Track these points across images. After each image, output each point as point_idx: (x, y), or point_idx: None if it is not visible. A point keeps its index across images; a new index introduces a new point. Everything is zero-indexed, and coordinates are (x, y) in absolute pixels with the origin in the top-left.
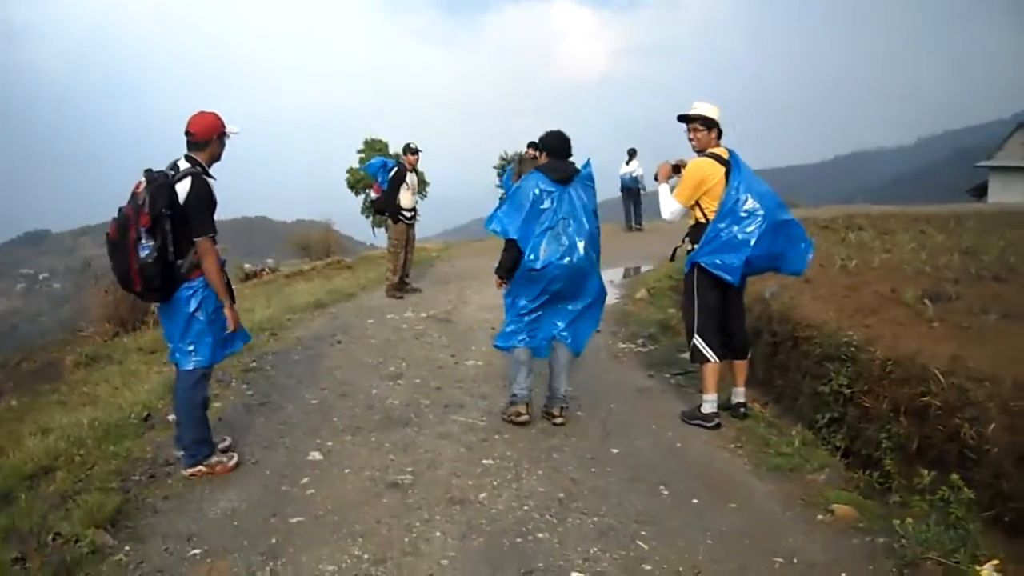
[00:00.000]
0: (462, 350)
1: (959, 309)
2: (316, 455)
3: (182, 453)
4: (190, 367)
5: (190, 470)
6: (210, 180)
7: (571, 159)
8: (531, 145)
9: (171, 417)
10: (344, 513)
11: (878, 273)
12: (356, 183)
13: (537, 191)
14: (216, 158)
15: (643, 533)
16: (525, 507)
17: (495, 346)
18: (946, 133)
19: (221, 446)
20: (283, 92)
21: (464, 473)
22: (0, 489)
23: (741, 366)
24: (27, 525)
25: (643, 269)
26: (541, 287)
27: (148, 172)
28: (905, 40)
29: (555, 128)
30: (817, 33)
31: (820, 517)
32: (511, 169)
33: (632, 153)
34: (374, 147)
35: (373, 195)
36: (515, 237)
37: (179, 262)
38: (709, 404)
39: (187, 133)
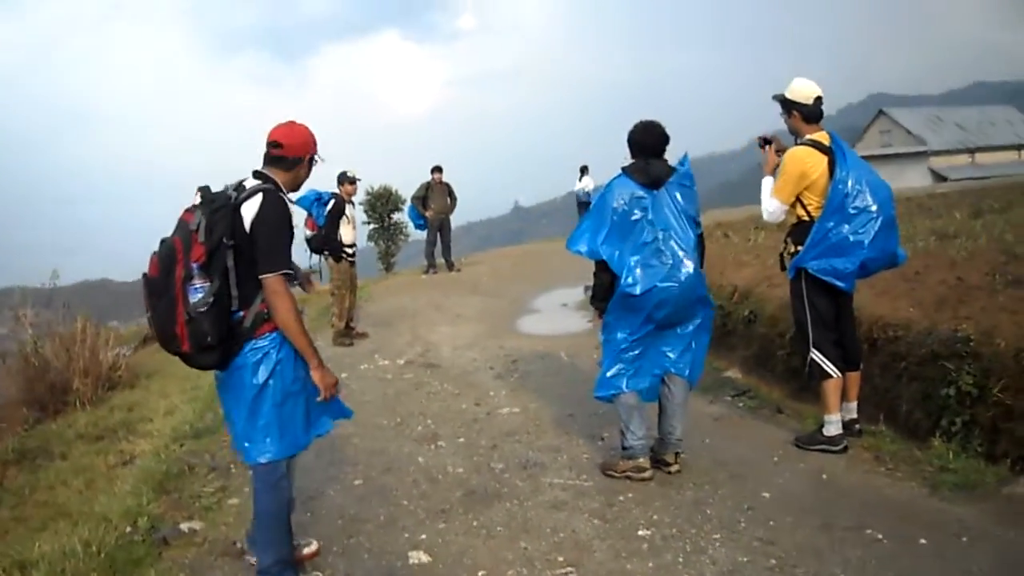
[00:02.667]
0: (481, 397)
1: None
2: (421, 556)
3: None
4: (264, 459)
5: None
6: (287, 200)
7: (664, 157)
8: (435, 169)
9: (184, 527)
10: None
11: (923, 261)
12: None
13: (625, 200)
14: (299, 186)
15: None
16: None
17: (596, 397)
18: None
19: (306, 551)
20: (119, 145)
21: (631, 553)
22: None
23: (855, 378)
24: None
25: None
26: (644, 316)
27: (204, 189)
28: (730, 49)
29: (647, 119)
30: (641, 44)
31: None
32: (412, 205)
33: (584, 170)
34: None
35: (308, 233)
36: (604, 257)
37: (240, 313)
38: (834, 425)
39: (273, 144)
